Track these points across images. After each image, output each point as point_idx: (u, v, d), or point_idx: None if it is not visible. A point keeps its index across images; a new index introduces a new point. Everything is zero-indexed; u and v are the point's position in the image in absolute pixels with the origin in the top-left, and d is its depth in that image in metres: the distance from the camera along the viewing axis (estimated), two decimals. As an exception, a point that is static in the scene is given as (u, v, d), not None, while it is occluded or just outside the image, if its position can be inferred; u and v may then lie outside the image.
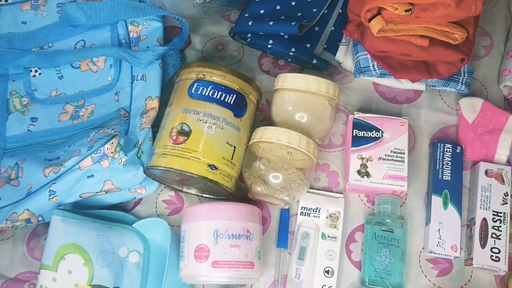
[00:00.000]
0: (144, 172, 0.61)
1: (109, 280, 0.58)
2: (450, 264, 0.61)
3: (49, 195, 0.59)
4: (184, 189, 0.66)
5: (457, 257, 0.59)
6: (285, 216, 0.64)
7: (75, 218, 0.59)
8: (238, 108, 0.60)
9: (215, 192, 0.63)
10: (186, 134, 0.57)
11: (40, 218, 0.65)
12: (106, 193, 0.62)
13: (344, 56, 0.71)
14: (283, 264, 0.62)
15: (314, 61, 0.70)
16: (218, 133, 0.58)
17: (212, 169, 0.56)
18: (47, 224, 0.67)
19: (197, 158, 0.56)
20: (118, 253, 0.60)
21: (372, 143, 0.63)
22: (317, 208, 0.63)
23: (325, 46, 0.71)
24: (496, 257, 0.57)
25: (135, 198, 0.66)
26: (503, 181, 0.61)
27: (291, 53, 0.70)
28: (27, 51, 0.74)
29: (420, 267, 0.61)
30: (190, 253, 0.54)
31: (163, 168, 0.57)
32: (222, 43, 0.76)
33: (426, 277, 0.61)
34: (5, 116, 0.71)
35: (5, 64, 0.73)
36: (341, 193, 0.65)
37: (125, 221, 0.64)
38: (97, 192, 0.60)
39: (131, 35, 0.73)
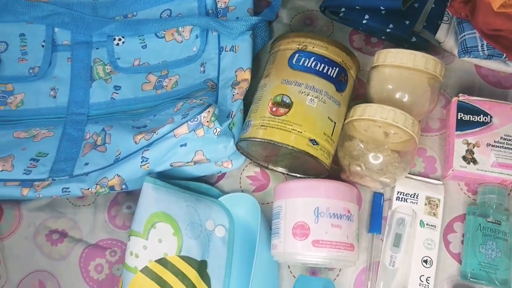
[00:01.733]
0: (236, 144, 0.59)
1: (197, 252, 0.57)
2: (561, 263, 0.56)
3: (141, 162, 0.58)
4: (270, 166, 0.64)
5: None
6: (378, 200, 0.60)
7: (165, 187, 0.58)
8: (339, 82, 0.57)
9: (304, 170, 0.60)
10: (287, 106, 0.54)
11: (123, 186, 0.64)
12: (195, 164, 0.61)
13: (445, 35, 0.66)
14: (376, 250, 0.58)
15: (413, 39, 0.66)
16: (320, 107, 0.55)
17: (314, 144, 0.54)
18: (128, 193, 0.67)
19: (298, 131, 0.54)
20: (206, 226, 0.59)
21: (479, 128, 0.58)
22: (415, 193, 0.59)
23: (425, 24, 0.66)
24: None
25: (220, 172, 0.64)
26: None
27: (388, 30, 0.66)
28: (111, 19, 0.73)
29: (526, 264, 0.57)
30: (288, 230, 0.52)
31: (262, 140, 0.54)
32: (311, 18, 0.73)
33: (532, 275, 0.56)
34: (89, 83, 0.70)
35: (89, 32, 0.73)
36: (439, 180, 0.61)
37: (211, 194, 0.63)
38: (187, 162, 0.59)
39: (218, 6, 0.71)
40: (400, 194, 0.59)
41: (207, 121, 0.56)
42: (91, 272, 0.65)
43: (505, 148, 0.57)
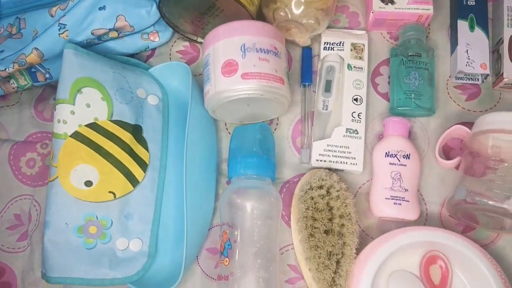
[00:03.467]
0: (158, 7, 0.57)
1: (130, 116, 0.55)
2: (478, 88, 0.60)
3: (59, 30, 0.55)
4: (199, 39, 0.63)
5: (486, 77, 0.58)
6: (307, 53, 0.61)
7: (88, 54, 0.55)
8: None
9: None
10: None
11: (47, 75, 0.61)
12: (118, 34, 0.58)
13: None
14: (309, 100, 0.60)
15: None
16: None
17: (234, -12, 0.53)
18: (54, 87, 0.63)
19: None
20: (137, 93, 0.57)
21: (394, -28, 0.60)
22: (341, 42, 0.61)
23: None
24: (527, 68, 0.57)
25: (148, 47, 0.63)
26: (529, 0, 0.60)
27: None
28: None
29: (448, 94, 0.60)
30: (217, 71, 0.51)
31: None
32: None
33: (455, 102, 0.60)
34: (-4, -18, 0.66)
35: None
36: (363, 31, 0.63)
37: (141, 67, 0.61)
38: (110, 30, 0.57)
39: None
40: (327, 44, 0.61)
41: (124, -21, 0.54)
42: (22, 168, 0.62)
43: (419, -14, 0.60)
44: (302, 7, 0.56)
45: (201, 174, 0.55)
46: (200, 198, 0.54)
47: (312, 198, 0.51)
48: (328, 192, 0.52)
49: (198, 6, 0.57)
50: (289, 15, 0.56)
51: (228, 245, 0.49)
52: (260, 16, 0.59)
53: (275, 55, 0.52)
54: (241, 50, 0.51)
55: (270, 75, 0.51)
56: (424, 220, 0.55)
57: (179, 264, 0.50)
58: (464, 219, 0.53)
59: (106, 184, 0.53)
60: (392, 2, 0.60)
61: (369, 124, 0.59)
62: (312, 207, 0.51)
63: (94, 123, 0.54)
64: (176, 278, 0.50)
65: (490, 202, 0.48)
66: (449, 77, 0.61)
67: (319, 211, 0.51)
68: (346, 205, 0.51)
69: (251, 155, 0.53)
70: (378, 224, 0.55)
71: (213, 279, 0.54)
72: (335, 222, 0.50)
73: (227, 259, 0.49)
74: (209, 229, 0.56)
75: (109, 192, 0.53)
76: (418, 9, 0.59)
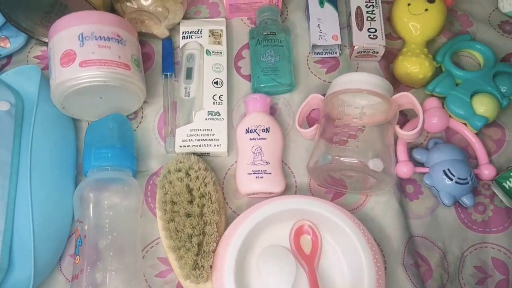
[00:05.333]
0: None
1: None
2: (337, 61, 0.62)
3: None
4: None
5: (341, 48, 0.60)
6: (167, 44, 0.61)
7: None
8: None
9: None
10: None
11: None
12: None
13: None
14: (172, 90, 0.59)
15: None
16: None
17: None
18: None
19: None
20: (-16, 100, 0.54)
21: (243, -41, 0.62)
22: (199, 29, 0.61)
23: None
24: (374, 35, 0.59)
25: (0, 55, 0.60)
26: (371, -26, 0.63)
27: None
28: None
29: (309, 69, 0.61)
30: (56, 63, 0.49)
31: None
32: None
33: (316, 76, 0.61)
34: None
35: None
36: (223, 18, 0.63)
37: (-8, 76, 0.58)
38: None
39: None
40: (185, 33, 0.60)
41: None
42: None
43: (267, -30, 0.62)
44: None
45: (55, 177, 0.51)
46: (54, 202, 0.50)
47: (171, 182, 0.49)
48: (187, 174, 0.50)
49: (41, 4, 0.55)
50: (135, 5, 0.56)
51: (79, 242, 0.46)
52: (114, 12, 0.58)
53: (118, 42, 0.51)
54: (79, 39, 0.49)
55: (112, 61, 0.50)
56: (294, 192, 0.55)
57: (39, 277, 0.46)
58: (331, 186, 0.53)
59: None
60: (244, -13, 0.61)
61: (234, 106, 0.59)
62: (170, 191, 0.49)
63: None
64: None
65: (354, 161, 0.48)
66: (309, 53, 0.62)
67: (178, 194, 0.49)
68: (205, 185, 0.49)
69: (104, 146, 0.50)
70: (248, 203, 0.54)
71: (80, 286, 0.50)
72: (195, 203, 0.49)
73: (78, 257, 0.45)
74: (72, 234, 0.53)
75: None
76: (269, -10, 0.61)
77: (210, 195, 0.49)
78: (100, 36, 0.50)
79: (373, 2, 0.61)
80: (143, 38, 0.62)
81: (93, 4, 0.54)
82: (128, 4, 0.56)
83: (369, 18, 0.60)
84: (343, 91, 0.51)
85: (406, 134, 0.50)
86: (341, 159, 0.48)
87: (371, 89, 0.50)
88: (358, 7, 0.60)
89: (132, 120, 0.58)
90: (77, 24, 0.50)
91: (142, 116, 0.58)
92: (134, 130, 0.57)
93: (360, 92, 0.50)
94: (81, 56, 0.49)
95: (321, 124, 0.53)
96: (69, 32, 0.50)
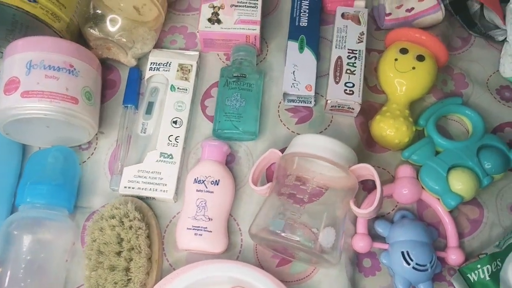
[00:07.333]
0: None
1: None
2: (310, 112, 0.57)
3: None
4: None
5: (311, 98, 0.56)
6: (133, 74, 0.58)
7: None
8: None
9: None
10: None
11: None
12: None
13: None
14: (130, 124, 0.56)
15: None
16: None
17: (30, 1, 0.50)
18: None
19: (10, -11, 0.49)
20: None
21: (224, -8, 0.58)
22: (168, 62, 0.57)
23: None
24: (350, 90, 0.54)
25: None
26: (360, 22, 0.58)
27: None
28: None
29: (279, 117, 0.57)
30: (1, 89, 0.47)
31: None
32: None
33: (285, 125, 0.57)
34: None
35: None
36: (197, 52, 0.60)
37: None
38: None
39: None
40: (153, 65, 0.57)
41: None
42: None
43: (248, 6, 0.58)
44: (118, 25, 0.53)
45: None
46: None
47: (101, 229, 0.46)
48: (121, 222, 0.47)
49: (2, 21, 0.53)
50: (98, 33, 0.53)
51: (-8, 283, 0.43)
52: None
53: (69, 72, 0.48)
54: (26, 67, 0.47)
55: (56, 93, 0.47)
56: (238, 252, 0.51)
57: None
58: (276, 252, 0.49)
59: None
60: (219, 22, 0.57)
61: (192, 149, 0.55)
62: (99, 239, 0.46)
63: None
64: None
65: (296, 239, 0.43)
66: (282, 99, 0.58)
67: (106, 244, 0.45)
68: (137, 237, 0.46)
69: (40, 181, 0.48)
70: (188, 258, 0.50)
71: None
72: (123, 256, 0.45)
73: (-13, 300, 0.43)
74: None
75: None
76: (244, 29, 0.57)
77: (140, 248, 0.46)
78: (49, 65, 0.47)
79: (356, 53, 0.56)
80: (112, 63, 0.59)
81: (53, 28, 0.51)
82: (92, 30, 0.53)
83: (348, 71, 0.55)
84: (299, 154, 0.47)
85: (359, 212, 0.45)
86: (284, 235, 0.44)
87: (327, 157, 0.45)
88: (339, 57, 0.56)
89: (84, 150, 0.55)
90: (28, 50, 0.48)
91: (96, 148, 0.55)
92: (84, 161, 0.55)
93: (316, 158, 0.46)
94: (25, 86, 0.46)
95: (273, 183, 0.49)
96: (19, 57, 0.47)
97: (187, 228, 0.48)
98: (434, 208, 0.53)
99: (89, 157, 0.55)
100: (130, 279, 0.45)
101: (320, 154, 0.45)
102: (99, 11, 0.53)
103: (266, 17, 0.63)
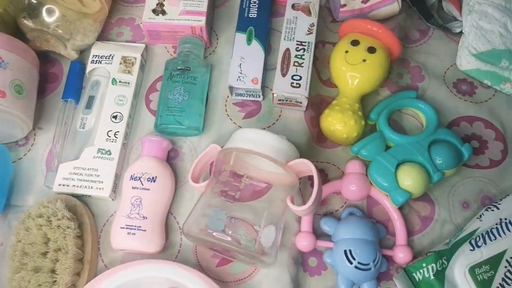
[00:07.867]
0: None
1: None
2: (259, 106, 0.55)
3: None
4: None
5: (259, 91, 0.54)
6: (74, 67, 0.56)
7: None
8: None
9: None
10: None
11: None
12: None
13: None
14: (69, 119, 0.53)
15: None
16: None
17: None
18: None
19: None
20: None
21: (170, -18, 0.56)
22: (111, 55, 0.55)
23: None
24: (297, 83, 0.52)
25: None
26: (310, 13, 0.56)
27: None
28: None
29: (226, 111, 0.55)
30: None
31: None
32: None
33: (231, 120, 0.54)
34: None
35: None
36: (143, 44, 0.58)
37: None
38: None
39: None
40: (95, 57, 0.55)
41: None
42: None
43: (194, -3, 0.56)
44: (55, 16, 0.51)
45: None
46: None
47: (27, 229, 0.44)
48: (49, 221, 0.45)
49: None
50: (32, 24, 0.51)
51: None
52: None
53: (-3, 64, 0.46)
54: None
55: (-21, 84, 0.45)
56: (177, 252, 0.48)
57: None
58: (215, 251, 0.47)
59: None
60: (164, 13, 0.55)
61: (134, 144, 0.53)
62: (24, 239, 0.44)
63: None
64: None
65: (228, 239, 0.41)
66: (229, 93, 0.56)
67: (31, 245, 0.43)
68: (64, 237, 0.44)
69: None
70: (123, 258, 0.48)
71: None
72: (49, 257, 0.43)
73: None
74: None
75: None
76: (190, 20, 0.55)
77: (68, 249, 0.43)
78: (-27, 54, 0.45)
79: (305, 45, 0.54)
80: (54, 56, 0.57)
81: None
82: (25, 21, 0.51)
83: (296, 63, 0.53)
84: (235, 149, 0.45)
85: (295, 209, 0.43)
86: (215, 234, 0.42)
87: (264, 153, 0.43)
88: (287, 49, 0.54)
89: (20, 147, 0.53)
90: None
91: (33, 144, 0.53)
92: (20, 158, 0.52)
93: (252, 153, 0.44)
94: None
95: (210, 179, 0.47)
96: None
97: (121, 227, 0.46)
98: (383, 204, 0.51)
99: (25, 154, 0.53)
100: (56, 280, 0.42)
101: (257, 150, 0.43)
102: (34, 1, 0.51)
103: (217, 8, 0.61)
